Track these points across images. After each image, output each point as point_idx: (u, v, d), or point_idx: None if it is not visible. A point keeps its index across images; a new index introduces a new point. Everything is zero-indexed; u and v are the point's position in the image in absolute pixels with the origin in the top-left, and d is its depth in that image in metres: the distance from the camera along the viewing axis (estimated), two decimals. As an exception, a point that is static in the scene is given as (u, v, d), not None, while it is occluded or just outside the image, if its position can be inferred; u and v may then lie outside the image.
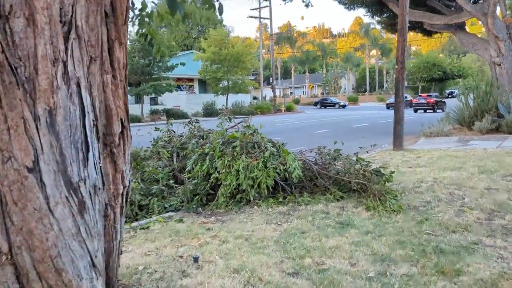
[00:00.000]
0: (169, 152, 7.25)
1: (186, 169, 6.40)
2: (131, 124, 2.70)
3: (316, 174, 5.93)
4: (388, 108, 40.82)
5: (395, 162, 8.75)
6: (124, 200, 2.65)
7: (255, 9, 46.18)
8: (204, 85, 40.85)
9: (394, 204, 5.07)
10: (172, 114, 30.96)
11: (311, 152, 6.82)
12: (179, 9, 3.72)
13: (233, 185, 5.73)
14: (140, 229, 4.80)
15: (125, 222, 5.49)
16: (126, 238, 4.32)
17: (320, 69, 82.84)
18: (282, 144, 6.27)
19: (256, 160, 5.83)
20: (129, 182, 2.69)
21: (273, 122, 25.51)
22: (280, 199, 5.75)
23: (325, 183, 5.89)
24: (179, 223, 4.96)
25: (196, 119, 8.29)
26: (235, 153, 6.01)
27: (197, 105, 35.32)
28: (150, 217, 5.48)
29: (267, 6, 44.64)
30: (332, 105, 52.93)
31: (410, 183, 6.44)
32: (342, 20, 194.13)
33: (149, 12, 4.02)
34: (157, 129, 7.44)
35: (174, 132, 7.83)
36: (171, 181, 6.27)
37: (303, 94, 79.20)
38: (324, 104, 54.10)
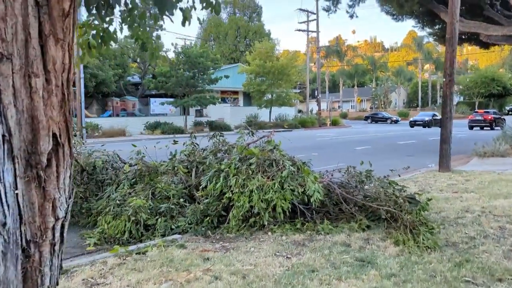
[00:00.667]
0: (188, 167, 6.81)
1: (201, 187, 5.92)
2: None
3: (340, 199, 5.23)
4: (412, 126, 39.32)
5: (439, 185, 7.81)
6: (58, 235, 2.12)
7: (303, 22, 45.70)
8: (248, 98, 40.69)
9: (428, 239, 4.28)
10: (215, 126, 30.87)
11: (339, 172, 6.13)
12: (167, 8, 3.26)
13: (246, 207, 5.16)
14: (136, 253, 4.33)
15: (129, 242, 5.08)
16: (113, 266, 3.86)
17: (369, 83, 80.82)
18: (304, 163, 5.63)
19: (273, 180, 5.23)
20: (66, 213, 2.15)
21: (315, 136, 24.70)
22: (298, 226, 5.10)
23: (351, 209, 5.17)
24: (179, 249, 4.45)
25: (221, 133, 7.79)
26: (249, 171, 5.45)
27: (240, 117, 35.13)
28: (154, 239, 5.03)
29: (315, 19, 44.09)
30: (384, 120, 51.10)
31: (453, 213, 5.57)
32: (395, 33, 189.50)
33: (141, 13, 3.58)
34: (175, 142, 7.01)
35: (198, 145, 7.37)
36: (181, 200, 5.78)
37: (351, 108, 77.45)
38: (375, 118, 52.35)
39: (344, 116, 59.66)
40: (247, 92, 37.51)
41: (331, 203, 5.57)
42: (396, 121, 50.20)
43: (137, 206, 5.45)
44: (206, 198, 5.68)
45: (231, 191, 5.37)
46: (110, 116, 32.73)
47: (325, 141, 21.21)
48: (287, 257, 4.06)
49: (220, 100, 36.30)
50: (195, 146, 7.33)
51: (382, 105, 72.04)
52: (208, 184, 5.70)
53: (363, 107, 77.30)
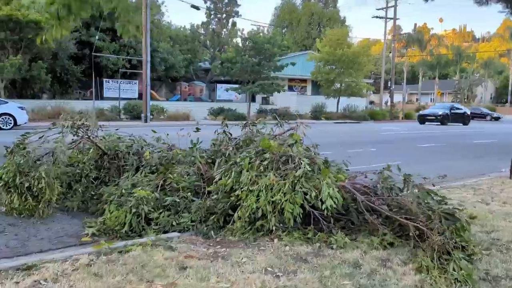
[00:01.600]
0: (213, 157, 6.31)
1: (214, 181, 5.38)
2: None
3: (361, 207, 4.41)
4: (422, 122, 30.98)
5: (504, 196, 6.59)
6: None
7: (381, 8, 43.26)
8: (317, 87, 39.54)
9: (461, 268, 3.38)
10: (279, 115, 30.25)
11: (374, 173, 5.26)
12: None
13: (253, 208, 4.54)
14: (118, 252, 3.90)
15: (128, 236, 4.68)
16: (78, 267, 3.45)
17: (453, 75, 75.17)
18: (326, 161, 4.86)
19: (285, 179, 4.55)
20: None
21: (380, 130, 23.14)
22: (310, 235, 4.39)
23: (374, 221, 4.34)
24: (166, 251, 3.96)
25: (254, 122, 7.18)
26: (261, 168, 4.80)
27: (307, 106, 34.18)
28: (150, 236, 4.60)
29: (393, 6, 41.50)
30: (482, 116, 43.66)
31: (508, 234, 4.51)
32: (488, 22, 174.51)
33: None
34: (197, 129, 6.53)
35: (231, 134, 6.84)
36: (189, 193, 5.27)
37: (431, 101, 72.68)
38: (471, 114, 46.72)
39: (421, 109, 55.88)
40: (315, 81, 36.38)
41: (358, 211, 4.76)
42: (497, 118, 43.30)
43: (140, 197, 5.06)
44: (217, 194, 5.16)
45: (241, 188, 4.78)
46: (178, 100, 33.43)
47: (389, 135, 19.72)
48: (276, 275, 3.39)
49: (286, 88, 35.59)
50: (226, 135, 6.80)
51: (465, 99, 66.70)
52: (223, 178, 5.15)
53: (444, 101, 72.24)
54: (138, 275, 3.27)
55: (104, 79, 28.97)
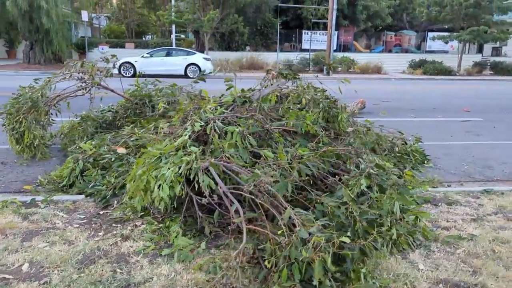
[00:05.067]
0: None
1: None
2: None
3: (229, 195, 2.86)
4: None
5: None
6: None
7: None
8: None
9: None
10: (501, 69, 24.44)
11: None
12: None
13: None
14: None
15: (63, 191, 4.43)
16: None
17: None
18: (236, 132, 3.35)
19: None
20: None
21: None
22: (168, 223, 3.19)
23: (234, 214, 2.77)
24: (13, 216, 3.51)
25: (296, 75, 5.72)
26: (161, 131, 3.70)
27: (551, 58, 26.42)
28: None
29: None
30: None
31: None
32: None
33: None
34: (201, 79, 5.52)
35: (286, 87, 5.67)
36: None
37: None
38: None
39: None
40: None
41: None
42: None
43: (81, 151, 4.69)
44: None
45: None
46: (381, 51, 30.78)
47: None
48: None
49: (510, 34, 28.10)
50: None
51: None
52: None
53: None
54: None
55: (303, 31, 28.93)
